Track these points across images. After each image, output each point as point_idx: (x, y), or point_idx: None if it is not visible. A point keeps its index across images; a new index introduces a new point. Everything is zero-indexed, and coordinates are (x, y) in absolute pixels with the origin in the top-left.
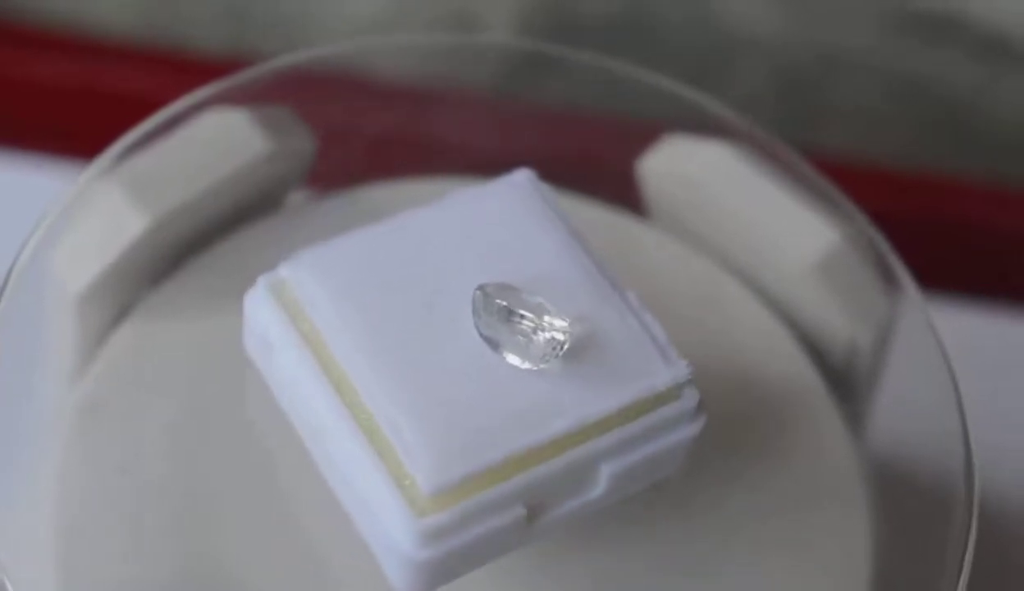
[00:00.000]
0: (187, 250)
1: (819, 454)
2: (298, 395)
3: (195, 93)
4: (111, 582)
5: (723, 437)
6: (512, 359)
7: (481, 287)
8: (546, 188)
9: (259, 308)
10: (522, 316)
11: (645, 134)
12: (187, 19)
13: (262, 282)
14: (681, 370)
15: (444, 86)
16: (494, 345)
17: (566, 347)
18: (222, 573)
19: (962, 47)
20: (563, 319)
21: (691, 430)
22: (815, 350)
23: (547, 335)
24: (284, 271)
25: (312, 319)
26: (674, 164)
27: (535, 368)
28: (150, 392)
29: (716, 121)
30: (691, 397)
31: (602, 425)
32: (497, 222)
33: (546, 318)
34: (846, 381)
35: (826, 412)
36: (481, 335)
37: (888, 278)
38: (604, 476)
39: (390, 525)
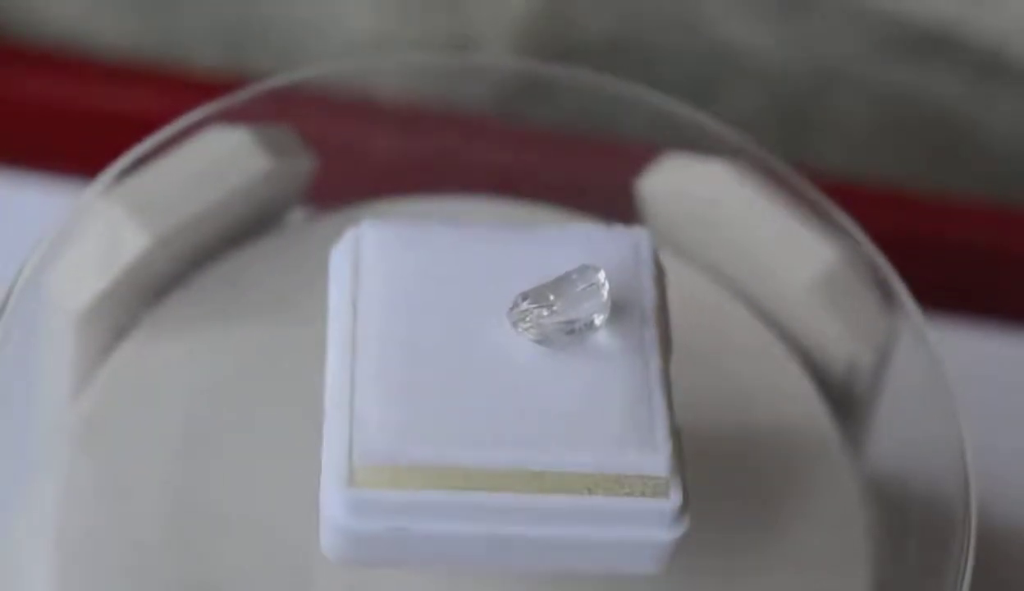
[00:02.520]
0: (186, 269)
1: (818, 473)
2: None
3: (194, 112)
4: None
5: (720, 456)
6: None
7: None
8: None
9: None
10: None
11: (644, 153)
12: (184, 37)
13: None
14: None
15: (442, 105)
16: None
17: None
18: None
19: (958, 65)
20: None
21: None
22: (814, 369)
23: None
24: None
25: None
26: (673, 183)
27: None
28: (149, 411)
29: (715, 140)
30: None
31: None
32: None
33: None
34: (845, 400)
35: (825, 431)
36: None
37: (887, 297)
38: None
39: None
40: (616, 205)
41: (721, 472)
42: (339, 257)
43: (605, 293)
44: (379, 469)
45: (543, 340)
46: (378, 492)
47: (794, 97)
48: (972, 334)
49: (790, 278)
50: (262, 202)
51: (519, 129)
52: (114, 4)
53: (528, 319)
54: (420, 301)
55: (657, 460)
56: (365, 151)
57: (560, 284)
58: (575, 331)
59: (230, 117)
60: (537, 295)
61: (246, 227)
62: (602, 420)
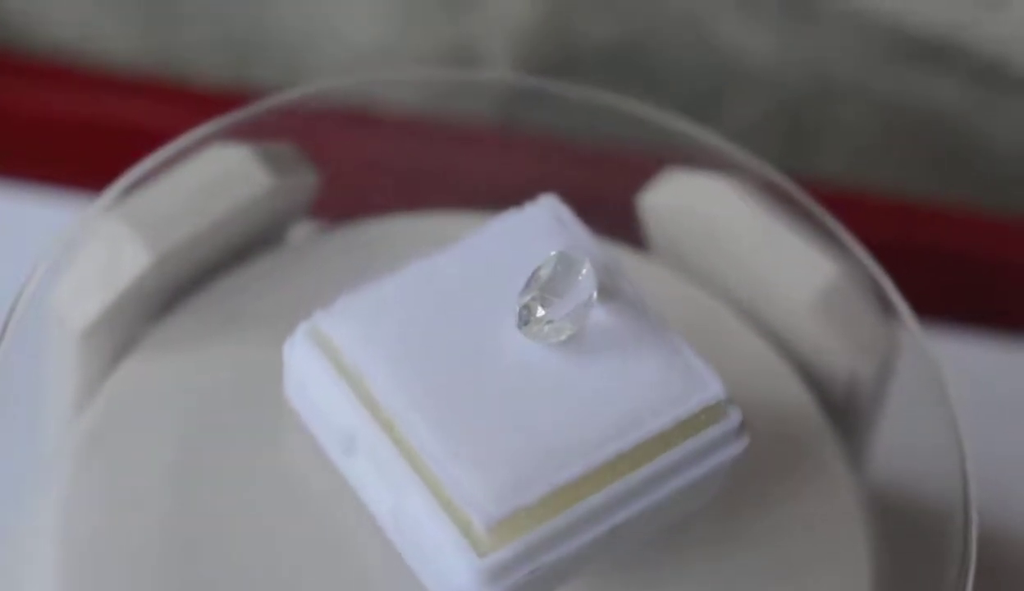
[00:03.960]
0: (190, 286)
1: (819, 487)
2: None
3: (198, 129)
4: None
5: None
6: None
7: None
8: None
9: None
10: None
11: (645, 168)
12: (186, 48)
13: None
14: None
15: (445, 119)
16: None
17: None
18: None
19: (960, 74)
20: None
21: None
22: (814, 383)
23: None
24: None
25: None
26: (674, 198)
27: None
28: (152, 428)
29: (716, 155)
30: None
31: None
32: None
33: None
34: (846, 414)
35: (826, 445)
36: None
37: (887, 311)
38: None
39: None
40: (617, 220)
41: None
42: (302, 352)
43: (591, 269)
44: (506, 527)
45: (556, 335)
46: (508, 548)
47: (796, 105)
48: (974, 344)
49: (791, 293)
50: (264, 219)
51: (521, 143)
52: (116, 16)
53: (541, 322)
54: (418, 352)
55: (714, 388)
56: (369, 166)
57: (553, 279)
58: (579, 315)
59: (233, 134)
60: (540, 297)
61: (248, 244)
62: (649, 382)
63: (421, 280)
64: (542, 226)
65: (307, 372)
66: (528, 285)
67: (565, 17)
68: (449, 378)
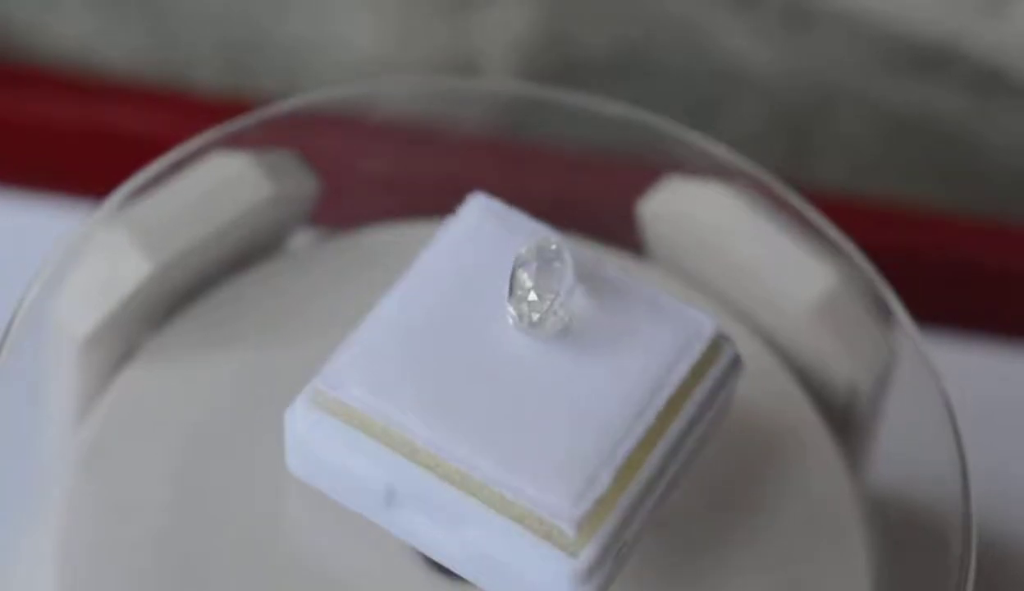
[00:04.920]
0: (190, 294)
1: (819, 494)
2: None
3: (198, 137)
4: None
5: (723, 477)
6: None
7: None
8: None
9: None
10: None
11: (645, 175)
12: (189, 57)
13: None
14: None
15: (445, 127)
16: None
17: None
18: None
19: (959, 82)
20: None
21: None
22: (814, 390)
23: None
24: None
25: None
26: (674, 206)
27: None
28: (153, 436)
29: (715, 162)
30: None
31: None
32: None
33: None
34: (846, 421)
35: (826, 452)
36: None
37: (887, 318)
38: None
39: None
40: (616, 228)
41: (721, 494)
42: (313, 421)
43: (567, 253)
44: (585, 523)
45: (555, 326)
46: (596, 540)
47: (796, 114)
48: (973, 351)
49: (791, 301)
50: (264, 227)
51: (521, 151)
52: (117, 25)
53: (539, 317)
54: (431, 383)
55: (708, 327)
56: (369, 175)
57: (536, 273)
58: (570, 301)
59: (233, 142)
60: (531, 293)
61: (249, 252)
62: (651, 343)
63: (402, 314)
64: (489, 226)
65: (319, 439)
66: (513, 286)
67: (564, 25)
68: (471, 398)
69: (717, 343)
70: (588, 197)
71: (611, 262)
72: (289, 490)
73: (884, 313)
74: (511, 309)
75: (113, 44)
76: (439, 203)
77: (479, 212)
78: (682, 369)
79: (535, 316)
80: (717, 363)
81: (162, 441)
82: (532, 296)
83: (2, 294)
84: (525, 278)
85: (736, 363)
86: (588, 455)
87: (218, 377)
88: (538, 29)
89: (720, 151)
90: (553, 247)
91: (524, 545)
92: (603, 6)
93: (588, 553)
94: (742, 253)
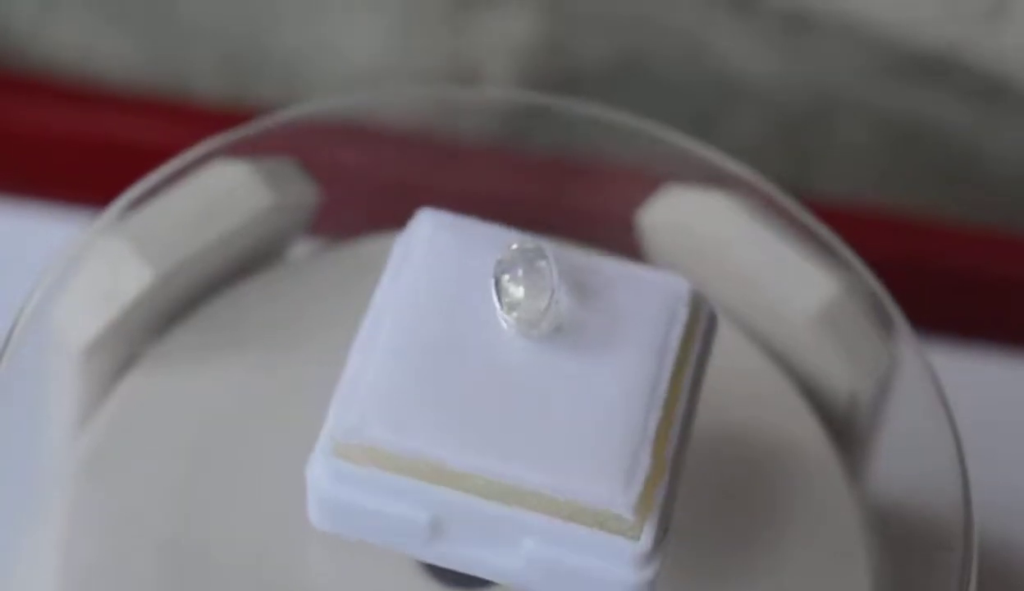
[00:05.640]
0: (191, 303)
1: (820, 504)
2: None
3: (198, 146)
4: None
5: (723, 487)
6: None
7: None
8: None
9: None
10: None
11: (645, 184)
12: (189, 66)
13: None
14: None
15: (446, 136)
16: (499, 271)
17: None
18: None
19: (960, 90)
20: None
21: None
22: (815, 398)
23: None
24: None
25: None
26: (674, 214)
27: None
28: (153, 445)
29: (716, 171)
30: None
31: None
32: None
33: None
34: (847, 430)
35: (827, 462)
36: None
37: (888, 327)
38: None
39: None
40: (616, 236)
41: (722, 502)
42: (338, 471)
43: (548, 251)
44: (642, 501)
45: (550, 325)
46: (650, 518)
47: (796, 123)
48: (974, 359)
49: (791, 309)
50: (265, 236)
51: (522, 160)
52: (117, 34)
53: (533, 319)
54: (452, 405)
55: (682, 286)
56: (368, 184)
57: (524, 277)
58: (560, 298)
59: (233, 151)
60: (521, 296)
61: (249, 261)
62: (640, 320)
63: (394, 341)
64: (447, 238)
65: (349, 490)
66: (500, 292)
67: (565, 34)
68: (492, 412)
69: (696, 303)
70: (588, 206)
71: (570, 248)
72: (291, 497)
73: (885, 321)
74: (504, 316)
75: (113, 52)
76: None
77: (432, 226)
78: (676, 334)
79: (531, 318)
80: (700, 321)
81: (163, 449)
82: (523, 299)
83: (3, 302)
84: (510, 282)
85: (713, 320)
86: (623, 439)
87: (219, 385)
88: (539, 38)
89: (720, 160)
90: (533, 247)
91: (586, 541)
92: (603, 15)
93: (647, 533)
94: (743, 262)
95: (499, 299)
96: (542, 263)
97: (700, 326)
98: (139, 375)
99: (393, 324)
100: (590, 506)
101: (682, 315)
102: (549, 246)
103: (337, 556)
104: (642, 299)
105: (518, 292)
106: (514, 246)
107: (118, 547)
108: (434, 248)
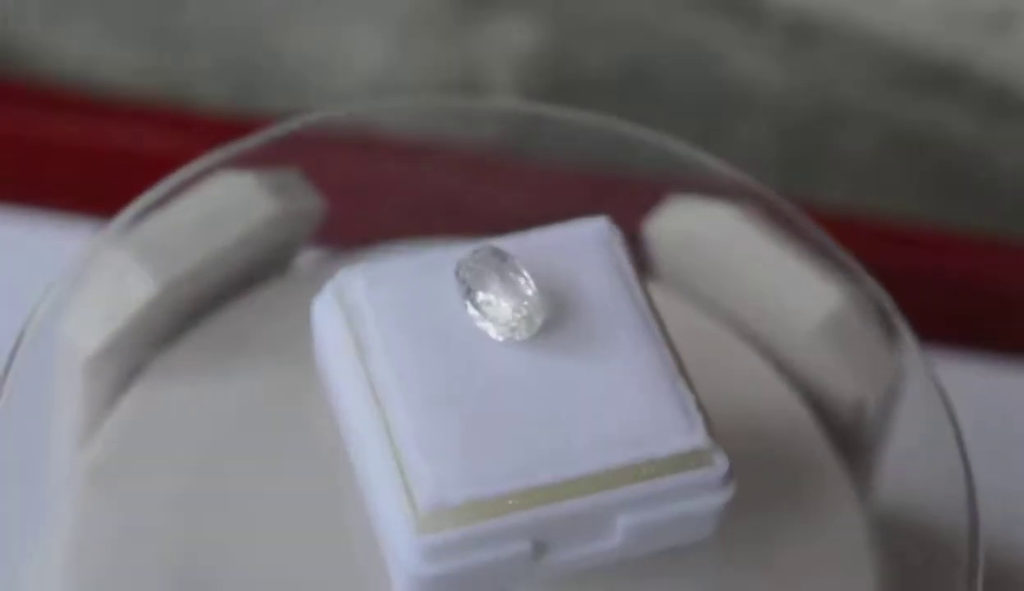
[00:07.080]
0: (196, 314)
1: (826, 513)
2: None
3: (203, 157)
4: None
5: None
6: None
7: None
8: (617, 237)
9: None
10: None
11: (650, 194)
12: (193, 76)
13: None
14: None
15: (449, 146)
16: (471, 293)
17: (537, 322)
18: None
19: (965, 99)
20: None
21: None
22: (820, 408)
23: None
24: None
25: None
26: (679, 224)
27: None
28: (159, 456)
29: (720, 181)
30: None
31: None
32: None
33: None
34: (852, 441)
35: (832, 472)
36: (458, 278)
37: (894, 337)
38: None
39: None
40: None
41: (725, 512)
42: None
43: (511, 255)
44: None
45: (526, 328)
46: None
47: (801, 132)
48: (980, 369)
49: (796, 320)
50: (270, 247)
51: (525, 170)
52: (121, 44)
53: (513, 315)
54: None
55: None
56: (373, 193)
57: (504, 279)
58: (533, 302)
59: (238, 162)
60: (504, 292)
61: (254, 272)
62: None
63: (412, 401)
64: (385, 290)
65: (442, 559)
66: (479, 307)
67: (568, 43)
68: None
69: (613, 230)
70: (593, 216)
71: (481, 241)
72: (299, 508)
73: (891, 332)
74: (492, 330)
75: (118, 63)
76: (445, 222)
77: (363, 289)
78: (628, 271)
79: (518, 322)
80: (625, 246)
81: (169, 461)
82: (505, 307)
83: (8, 313)
84: (483, 295)
85: (723, 482)
86: (658, 383)
87: (225, 396)
88: (543, 48)
89: (726, 170)
90: (493, 254)
91: (672, 490)
92: (608, 25)
93: (719, 453)
94: (748, 272)
95: (481, 314)
96: (507, 268)
97: (628, 250)
98: (145, 386)
99: (399, 385)
100: (669, 455)
101: (618, 247)
102: (484, 244)
103: (343, 566)
104: (584, 255)
105: (498, 302)
106: (473, 259)
107: (124, 558)
108: (376, 305)
